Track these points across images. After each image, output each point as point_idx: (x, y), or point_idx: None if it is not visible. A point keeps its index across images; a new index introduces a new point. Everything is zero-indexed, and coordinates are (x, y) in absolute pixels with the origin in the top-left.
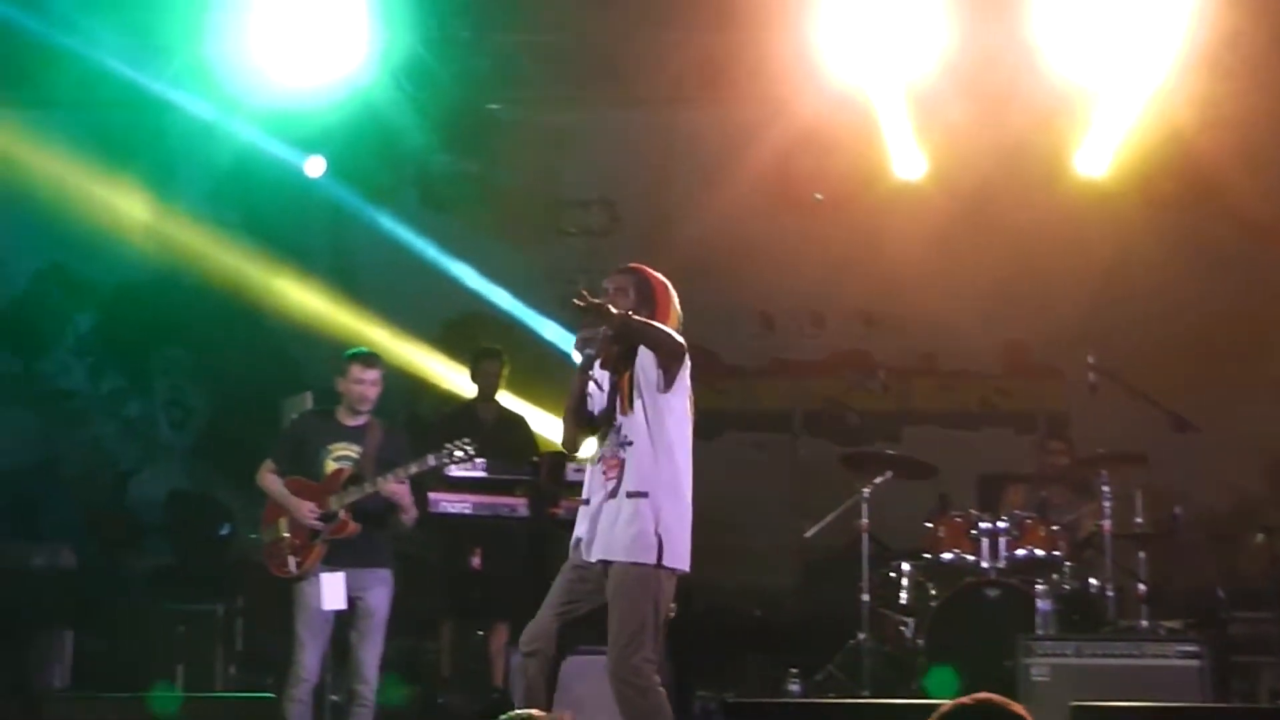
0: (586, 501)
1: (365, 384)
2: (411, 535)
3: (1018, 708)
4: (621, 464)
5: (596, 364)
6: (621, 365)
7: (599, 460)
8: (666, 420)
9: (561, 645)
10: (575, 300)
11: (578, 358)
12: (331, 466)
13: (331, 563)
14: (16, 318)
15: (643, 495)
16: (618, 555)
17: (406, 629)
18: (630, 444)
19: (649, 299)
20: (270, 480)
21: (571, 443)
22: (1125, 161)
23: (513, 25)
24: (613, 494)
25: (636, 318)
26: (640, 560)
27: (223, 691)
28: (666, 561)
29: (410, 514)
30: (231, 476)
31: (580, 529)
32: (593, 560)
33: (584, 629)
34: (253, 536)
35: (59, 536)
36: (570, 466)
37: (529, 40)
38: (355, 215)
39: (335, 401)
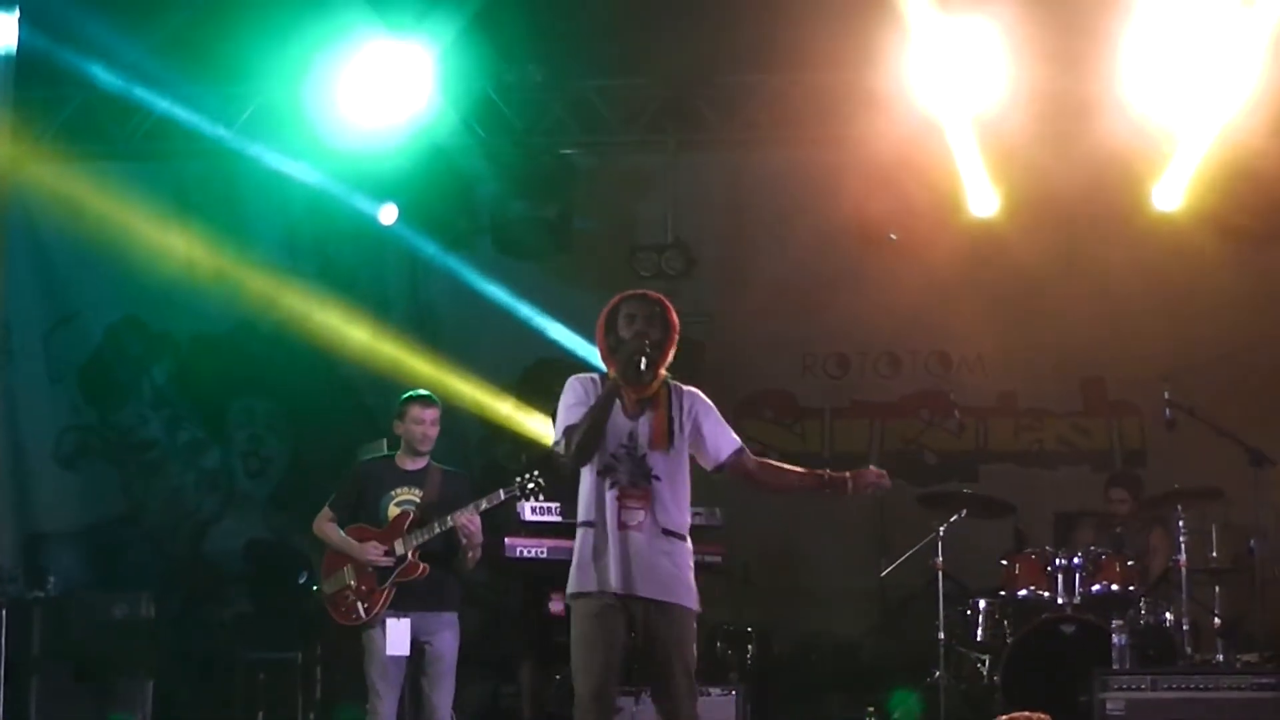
0: (590, 524)
1: (425, 424)
2: (488, 581)
3: None
4: (649, 497)
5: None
6: (663, 398)
7: (611, 486)
8: (688, 467)
9: None
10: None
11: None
12: (394, 512)
13: (399, 607)
14: (93, 371)
15: (680, 537)
16: (682, 599)
17: (486, 674)
18: (659, 480)
19: (670, 333)
20: (329, 529)
21: (589, 455)
22: (1200, 196)
23: (586, 70)
24: (641, 527)
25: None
26: (695, 608)
27: None
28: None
29: (477, 551)
30: (309, 525)
31: (586, 552)
32: (633, 594)
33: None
34: (315, 589)
35: (139, 586)
36: None
37: (602, 85)
38: (431, 263)
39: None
